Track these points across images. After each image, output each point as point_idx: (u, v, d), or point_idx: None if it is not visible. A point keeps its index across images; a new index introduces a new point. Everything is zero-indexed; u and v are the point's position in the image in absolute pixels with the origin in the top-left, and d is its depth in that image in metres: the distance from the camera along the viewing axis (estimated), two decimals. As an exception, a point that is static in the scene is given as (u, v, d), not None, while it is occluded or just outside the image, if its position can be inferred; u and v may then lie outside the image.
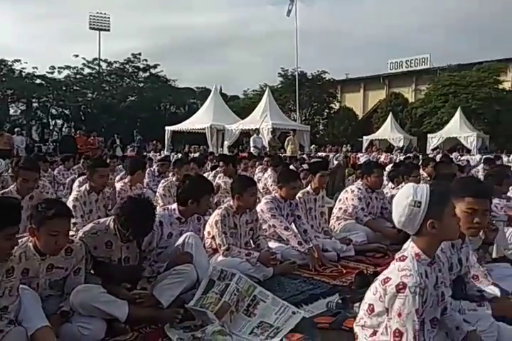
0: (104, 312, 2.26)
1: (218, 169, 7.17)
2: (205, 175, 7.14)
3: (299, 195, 4.24)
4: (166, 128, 20.22)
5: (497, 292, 2.57)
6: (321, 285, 3.17)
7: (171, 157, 12.19)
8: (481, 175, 8.10)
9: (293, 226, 3.91)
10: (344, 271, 3.49)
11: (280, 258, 3.53)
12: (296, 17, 23.71)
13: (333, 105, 41.10)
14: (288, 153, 13.72)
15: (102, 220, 2.65)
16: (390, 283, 1.67)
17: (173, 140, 21.77)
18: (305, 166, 6.72)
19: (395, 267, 1.73)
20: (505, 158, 13.55)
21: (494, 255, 3.33)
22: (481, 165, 9.44)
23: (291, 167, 8.76)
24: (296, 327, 2.38)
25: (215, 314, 2.34)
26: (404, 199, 1.72)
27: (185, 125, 19.82)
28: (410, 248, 1.79)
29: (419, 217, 1.69)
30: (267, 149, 13.94)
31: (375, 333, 1.80)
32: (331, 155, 18.96)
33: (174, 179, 5.43)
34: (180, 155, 14.78)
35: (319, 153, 20.09)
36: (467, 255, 2.34)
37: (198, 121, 19.21)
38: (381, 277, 1.76)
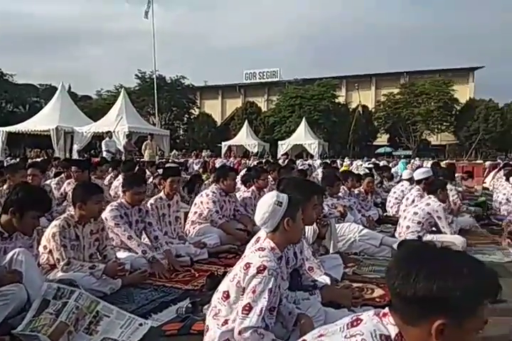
0: None
1: (63, 175, 6.49)
2: (48, 182, 6.39)
3: (151, 201, 4.12)
4: (0, 129, 17.48)
5: (328, 280, 2.92)
6: (172, 291, 3.12)
7: (5, 162, 10.57)
8: (320, 178, 9.16)
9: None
10: (197, 275, 3.51)
11: (130, 268, 3.36)
12: (153, 19, 23.22)
13: (192, 111, 41.53)
14: (146, 158, 13.28)
15: None
16: (252, 266, 1.86)
17: (10, 143, 18.93)
18: (160, 171, 6.58)
19: (256, 254, 1.94)
20: (340, 163, 15.61)
21: (331, 250, 3.72)
22: (320, 169, 10.72)
23: (147, 172, 8.50)
24: (144, 338, 2.29)
25: (48, 337, 2.08)
26: (270, 199, 2.04)
27: (25, 126, 17.44)
28: (266, 243, 2.05)
29: (279, 214, 2.02)
30: (123, 154, 13.25)
31: (226, 322, 1.89)
32: (191, 160, 19.07)
33: (5, 187, 4.71)
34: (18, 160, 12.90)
35: (178, 159, 19.95)
36: (301, 249, 2.60)
37: (42, 121, 17.10)
38: (242, 263, 1.92)
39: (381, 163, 13.49)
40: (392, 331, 1.10)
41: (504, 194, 6.98)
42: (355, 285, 3.15)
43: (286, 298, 2.22)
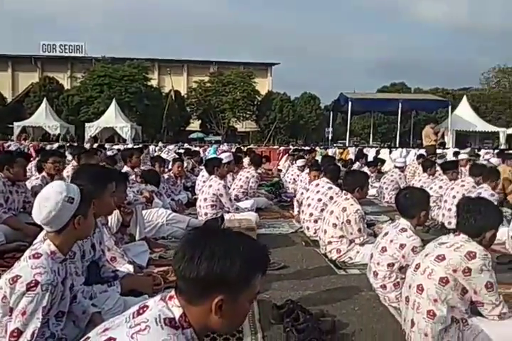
0: None
1: None
2: None
3: None
4: None
5: (131, 269, 2.86)
6: None
7: None
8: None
9: None
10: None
11: None
12: None
13: (-29, 83, 33.98)
14: None
15: None
16: (21, 281, 1.59)
17: None
18: None
19: (28, 264, 1.65)
20: (151, 147, 15.40)
21: (137, 237, 3.64)
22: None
23: None
24: None
25: None
26: (57, 194, 1.71)
27: None
28: (46, 245, 1.75)
29: (70, 212, 1.73)
30: None
31: None
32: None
33: None
34: None
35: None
36: (101, 239, 2.46)
37: None
38: (9, 275, 1.63)
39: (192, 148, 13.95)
40: (177, 312, 1.13)
41: (292, 175, 8.19)
42: (160, 269, 3.18)
43: (82, 292, 2.08)
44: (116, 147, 13.34)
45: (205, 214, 4.77)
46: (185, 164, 8.26)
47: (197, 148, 16.11)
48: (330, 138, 26.25)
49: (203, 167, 9.63)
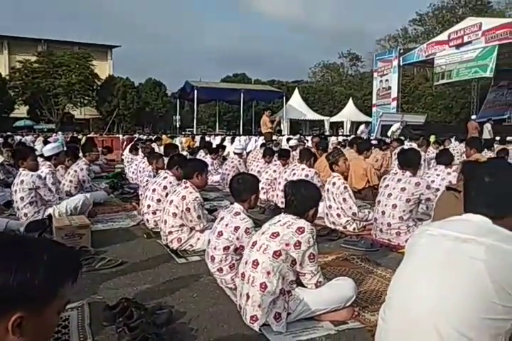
0: None
1: None
2: None
3: None
4: None
5: None
6: None
7: None
8: None
9: None
10: None
11: None
12: None
13: None
14: None
15: None
16: None
17: None
18: None
19: None
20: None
21: None
22: None
23: None
24: None
25: None
26: None
27: None
28: None
29: None
30: None
31: None
32: None
33: None
34: None
35: None
36: None
37: None
38: None
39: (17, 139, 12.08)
40: None
41: (136, 165, 7.82)
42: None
43: None
44: None
45: (25, 215, 4.15)
46: (1, 158, 7.12)
47: (24, 138, 14.08)
48: (178, 126, 26.05)
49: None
